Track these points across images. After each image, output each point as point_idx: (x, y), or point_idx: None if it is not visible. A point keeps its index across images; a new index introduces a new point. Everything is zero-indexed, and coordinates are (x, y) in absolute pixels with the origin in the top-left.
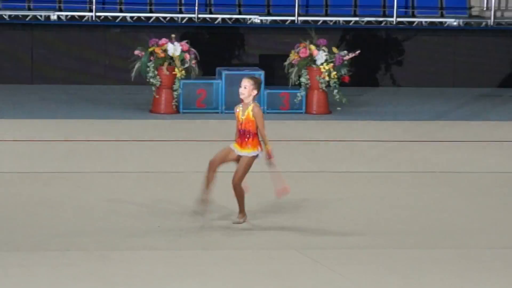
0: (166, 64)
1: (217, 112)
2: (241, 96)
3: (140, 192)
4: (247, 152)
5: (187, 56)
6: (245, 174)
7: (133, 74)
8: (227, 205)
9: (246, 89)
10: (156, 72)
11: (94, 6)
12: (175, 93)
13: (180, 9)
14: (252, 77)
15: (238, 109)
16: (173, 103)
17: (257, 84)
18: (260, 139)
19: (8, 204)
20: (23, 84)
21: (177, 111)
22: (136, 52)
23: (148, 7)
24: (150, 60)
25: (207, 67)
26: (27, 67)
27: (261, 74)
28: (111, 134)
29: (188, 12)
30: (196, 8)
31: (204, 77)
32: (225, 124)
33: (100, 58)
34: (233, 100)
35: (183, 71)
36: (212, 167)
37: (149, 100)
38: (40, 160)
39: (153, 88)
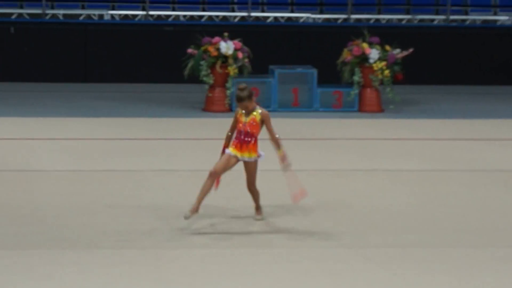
0: (219, 62)
1: (270, 110)
2: (245, 111)
3: (193, 190)
4: (248, 157)
5: (240, 54)
6: (256, 176)
7: (186, 72)
8: (271, 205)
9: (248, 107)
10: (209, 71)
11: (147, 5)
12: (228, 91)
13: (233, 7)
14: (241, 96)
15: (240, 112)
16: (226, 101)
17: (250, 95)
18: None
19: (63, 202)
20: (77, 82)
21: (230, 109)
22: (189, 50)
23: (201, 6)
24: (203, 59)
25: (260, 66)
26: (81, 66)
27: (313, 72)
28: (164, 132)
29: (241, 10)
30: (249, 6)
31: (257, 75)
32: (278, 122)
33: (153, 57)
34: (286, 99)
35: (236, 70)
36: (213, 177)
37: (202, 98)
38: (94, 158)
39: (206, 87)
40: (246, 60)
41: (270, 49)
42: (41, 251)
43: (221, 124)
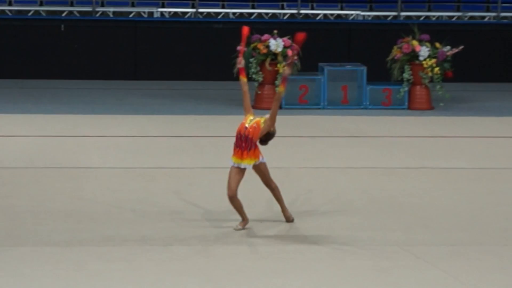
0: (268, 60)
1: (319, 108)
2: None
3: (242, 187)
4: (248, 163)
5: (290, 52)
6: (269, 174)
7: (235, 70)
8: (316, 203)
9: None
10: (258, 68)
11: (196, 3)
12: (278, 89)
13: (282, 5)
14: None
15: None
16: None
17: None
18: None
19: (113, 199)
20: (127, 80)
21: (280, 107)
22: (239, 48)
23: (250, 3)
24: (253, 56)
25: (309, 63)
26: (131, 63)
27: (363, 69)
28: (213, 130)
29: (290, 8)
30: (298, 4)
31: (306, 72)
32: (327, 120)
33: (202, 54)
34: (336, 96)
35: (285, 67)
36: (234, 198)
37: (251, 96)
38: (144, 155)
39: (256, 84)
40: (296, 57)
41: (319, 46)
42: (91, 248)
43: None
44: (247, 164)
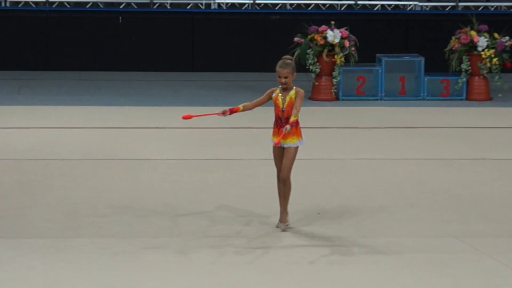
0: (325, 51)
1: (377, 99)
2: (283, 87)
3: (300, 178)
4: (292, 142)
5: (347, 43)
6: (293, 165)
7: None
8: (372, 195)
9: (288, 78)
10: (315, 59)
11: None
12: (335, 80)
13: None
14: (287, 63)
15: (276, 94)
16: (332, 90)
17: (294, 67)
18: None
19: (170, 190)
20: (184, 71)
21: (336, 98)
22: (296, 39)
23: None
24: (310, 47)
25: (367, 54)
26: (188, 55)
27: (421, 60)
28: (270, 121)
29: None
30: None
31: (364, 63)
32: (385, 111)
33: (259, 46)
34: (393, 87)
35: (343, 58)
36: (285, 181)
37: (308, 87)
38: (200, 147)
39: (313, 75)
40: (353, 48)
41: (377, 37)
42: (148, 240)
43: (327, 113)
44: (291, 142)
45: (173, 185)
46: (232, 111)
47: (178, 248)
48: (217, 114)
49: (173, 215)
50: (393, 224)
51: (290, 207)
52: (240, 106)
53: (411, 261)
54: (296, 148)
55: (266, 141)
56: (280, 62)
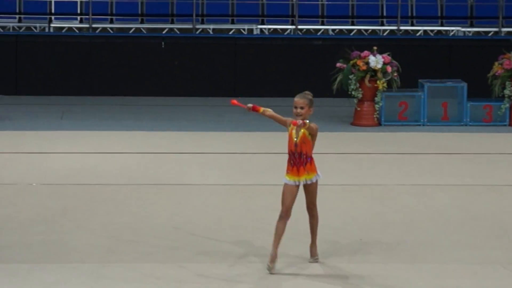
0: (368, 76)
1: (419, 125)
2: (299, 118)
3: (343, 204)
4: (309, 179)
5: (389, 68)
6: (316, 196)
7: (334, 86)
8: (416, 221)
9: (304, 109)
10: (358, 85)
11: (296, 19)
12: (377, 105)
13: (382, 21)
14: (306, 96)
15: (291, 127)
16: (374, 116)
17: (312, 102)
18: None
19: (213, 216)
20: (226, 96)
21: (379, 124)
22: (338, 64)
23: (350, 20)
24: (352, 73)
25: (409, 79)
26: (230, 80)
27: (463, 86)
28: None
29: (390, 24)
30: (398, 20)
31: (406, 89)
32: (427, 137)
33: (302, 71)
34: (436, 113)
35: (385, 84)
36: (285, 218)
37: (350, 112)
38: (244, 172)
39: (355, 101)
40: (395, 74)
41: (419, 62)
42: (191, 265)
43: (370, 139)
44: (306, 179)
45: (216, 211)
46: (254, 109)
47: (221, 274)
48: (246, 107)
49: (216, 240)
50: (437, 250)
51: (333, 234)
52: (262, 109)
53: None
54: (316, 182)
55: None
56: (299, 94)
